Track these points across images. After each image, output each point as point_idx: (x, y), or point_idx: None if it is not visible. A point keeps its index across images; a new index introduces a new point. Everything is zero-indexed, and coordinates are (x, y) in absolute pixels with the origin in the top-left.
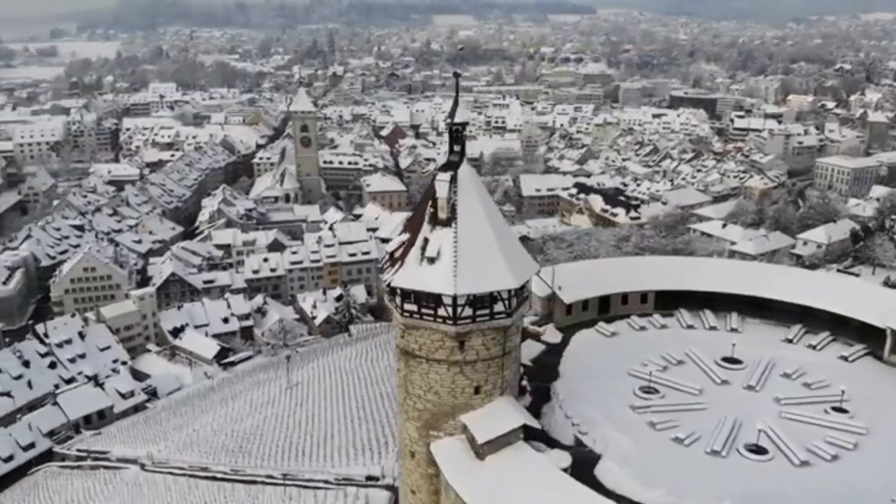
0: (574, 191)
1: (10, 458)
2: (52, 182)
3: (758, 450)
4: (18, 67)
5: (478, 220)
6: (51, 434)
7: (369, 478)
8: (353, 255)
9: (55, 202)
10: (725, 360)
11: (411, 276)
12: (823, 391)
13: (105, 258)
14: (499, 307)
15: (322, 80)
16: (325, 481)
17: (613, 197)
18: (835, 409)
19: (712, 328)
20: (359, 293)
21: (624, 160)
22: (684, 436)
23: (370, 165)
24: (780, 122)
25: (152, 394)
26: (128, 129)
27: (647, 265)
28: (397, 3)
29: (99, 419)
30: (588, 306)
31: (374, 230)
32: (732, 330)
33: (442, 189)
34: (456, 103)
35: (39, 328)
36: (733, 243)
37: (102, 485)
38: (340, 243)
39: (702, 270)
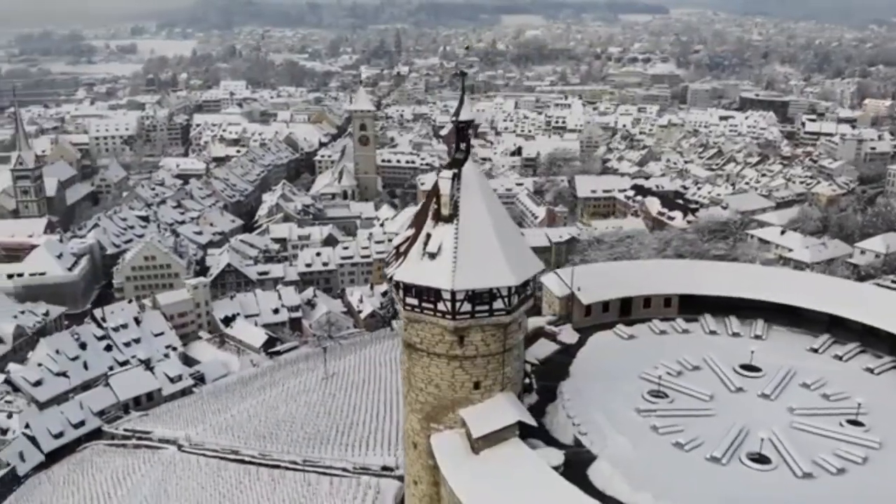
0: (631, 193)
1: (60, 435)
2: (123, 174)
3: (760, 459)
4: (99, 64)
5: (480, 218)
6: (101, 413)
7: (384, 468)
8: None
9: (125, 193)
10: (744, 367)
11: (413, 270)
12: (841, 403)
13: (165, 248)
14: (498, 304)
15: (387, 79)
16: (344, 469)
17: (671, 200)
18: (850, 421)
19: (735, 334)
20: None
21: (686, 163)
22: (685, 441)
23: (426, 164)
24: (853, 127)
25: (200, 379)
26: (198, 125)
27: (673, 268)
28: (466, 4)
29: (147, 401)
30: (609, 308)
31: None
32: (756, 337)
33: (445, 186)
34: (461, 102)
35: (98, 312)
36: (790, 250)
37: (141, 463)
38: (390, 240)
39: (730, 275)
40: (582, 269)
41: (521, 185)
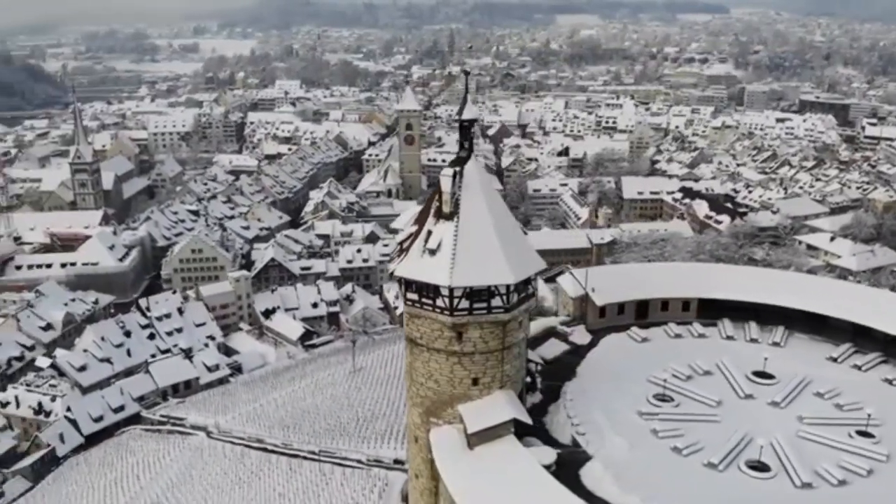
0: (679, 195)
1: (100, 419)
2: (179, 169)
3: (759, 466)
4: (162, 62)
5: (480, 216)
6: (140, 399)
7: (396, 461)
8: None
9: (178, 188)
10: (756, 374)
11: (413, 266)
12: (854, 413)
13: (212, 241)
14: (496, 302)
15: (438, 79)
16: (358, 461)
17: (719, 203)
18: (860, 432)
19: (753, 340)
20: None
21: (739, 165)
22: (684, 446)
23: None
24: None
25: (237, 369)
26: (252, 123)
27: (693, 272)
28: (521, 4)
29: (185, 388)
30: (624, 310)
31: None
32: (774, 344)
33: (446, 184)
34: (465, 101)
35: (143, 302)
36: (838, 257)
37: (172, 448)
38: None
39: (754, 280)
40: (598, 270)
41: (565, 185)
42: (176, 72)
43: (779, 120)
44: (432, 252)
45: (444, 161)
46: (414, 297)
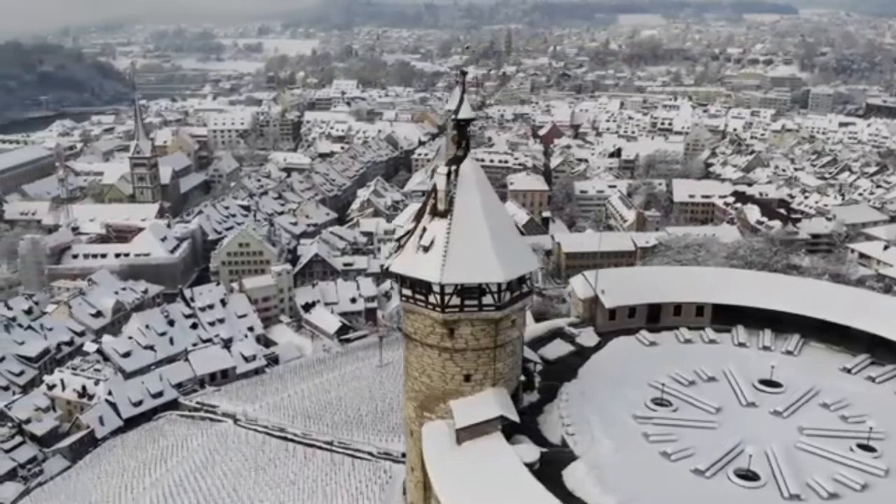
0: (731, 199)
1: (139, 403)
2: (235, 166)
3: (748, 475)
4: (227, 61)
5: (474, 214)
6: (179, 386)
7: (403, 454)
8: None
9: (232, 184)
10: (763, 382)
11: (407, 262)
12: (858, 426)
13: (259, 236)
14: (487, 299)
15: (493, 79)
16: (369, 453)
17: (772, 208)
18: (861, 446)
19: (765, 348)
20: None
21: (796, 170)
22: (674, 451)
23: (519, 164)
24: None
25: (274, 360)
26: (308, 122)
27: (710, 276)
28: (583, 3)
29: (222, 377)
30: (635, 314)
31: None
32: (787, 352)
33: (441, 182)
34: (461, 100)
35: (187, 293)
36: (889, 266)
37: (200, 433)
38: None
39: (772, 287)
40: (611, 272)
41: (613, 186)
42: (240, 71)
43: (842, 124)
44: (425, 249)
45: (490, 161)
46: (408, 292)
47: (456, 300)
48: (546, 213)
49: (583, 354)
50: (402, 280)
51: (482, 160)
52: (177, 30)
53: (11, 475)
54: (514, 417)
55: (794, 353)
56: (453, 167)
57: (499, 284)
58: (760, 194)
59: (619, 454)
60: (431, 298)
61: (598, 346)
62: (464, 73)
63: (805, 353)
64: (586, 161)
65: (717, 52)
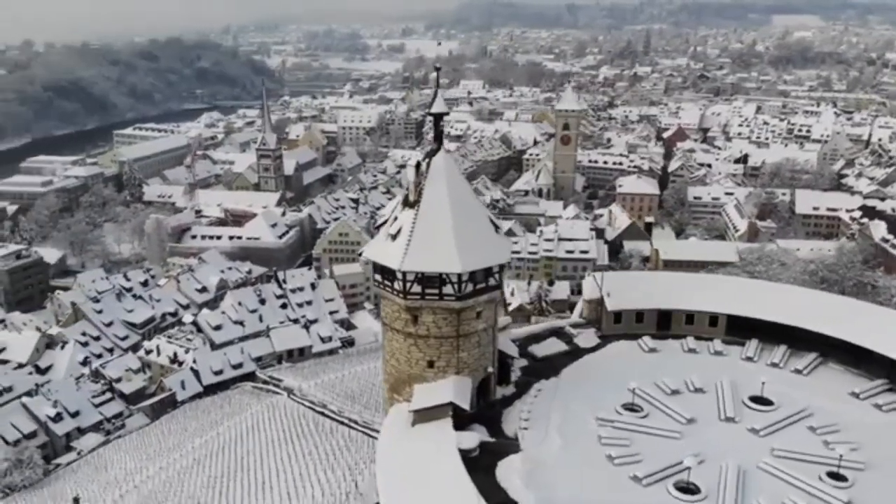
0: (858, 213)
1: (219, 372)
2: (358, 161)
3: (688, 489)
4: (371, 61)
5: (440, 206)
6: (258, 360)
7: None
8: (571, 252)
9: (349, 178)
10: (754, 398)
11: (377, 249)
12: (838, 453)
13: (358, 227)
14: (448, 289)
15: (625, 80)
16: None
17: None
18: (831, 474)
19: (773, 365)
20: (561, 289)
21: None
22: (621, 455)
23: (634, 167)
24: None
25: (350, 343)
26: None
27: (730, 285)
28: (735, 3)
29: (299, 355)
30: (643, 319)
31: (600, 231)
32: (796, 371)
33: (410, 173)
34: (435, 95)
35: (280, 275)
36: None
37: (257, 403)
38: (560, 239)
39: (798, 301)
40: (622, 275)
41: (730, 193)
42: (381, 71)
43: None
44: (393, 237)
45: (604, 163)
46: (379, 278)
47: (417, 288)
48: (649, 219)
49: (575, 354)
50: (374, 266)
51: (596, 161)
52: (327, 30)
53: (96, 427)
54: (465, 405)
55: (804, 372)
56: (422, 160)
57: (459, 275)
58: (893, 210)
59: (564, 452)
60: (396, 285)
61: (594, 348)
62: (438, 69)
63: (818, 373)
64: (709, 166)
65: (875, 57)
